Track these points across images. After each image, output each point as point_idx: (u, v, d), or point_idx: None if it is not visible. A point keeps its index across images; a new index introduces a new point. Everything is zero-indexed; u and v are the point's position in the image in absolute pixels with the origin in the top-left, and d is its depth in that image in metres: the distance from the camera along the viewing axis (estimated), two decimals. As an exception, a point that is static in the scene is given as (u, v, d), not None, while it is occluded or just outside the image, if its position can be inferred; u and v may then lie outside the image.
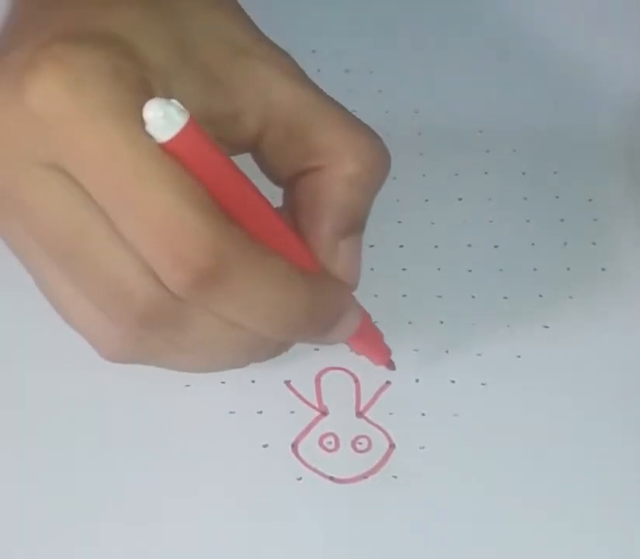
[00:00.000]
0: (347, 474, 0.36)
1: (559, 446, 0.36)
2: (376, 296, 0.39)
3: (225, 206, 0.26)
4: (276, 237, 0.28)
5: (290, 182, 0.31)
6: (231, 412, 0.36)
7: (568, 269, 0.40)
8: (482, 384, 0.37)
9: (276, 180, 0.32)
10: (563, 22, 0.47)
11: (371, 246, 0.40)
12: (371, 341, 0.35)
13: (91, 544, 0.34)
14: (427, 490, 0.35)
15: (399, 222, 0.41)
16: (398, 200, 0.42)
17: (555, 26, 0.47)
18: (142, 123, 0.25)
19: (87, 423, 0.36)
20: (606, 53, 0.46)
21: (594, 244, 0.41)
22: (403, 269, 0.40)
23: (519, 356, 0.38)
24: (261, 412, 0.37)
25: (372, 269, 0.40)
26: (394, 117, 0.44)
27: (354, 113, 0.43)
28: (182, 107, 0.25)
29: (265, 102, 0.30)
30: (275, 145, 0.30)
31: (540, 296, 0.39)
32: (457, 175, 0.42)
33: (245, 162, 0.30)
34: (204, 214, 0.25)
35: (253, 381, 0.37)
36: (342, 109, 0.30)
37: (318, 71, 0.45)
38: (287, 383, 0.37)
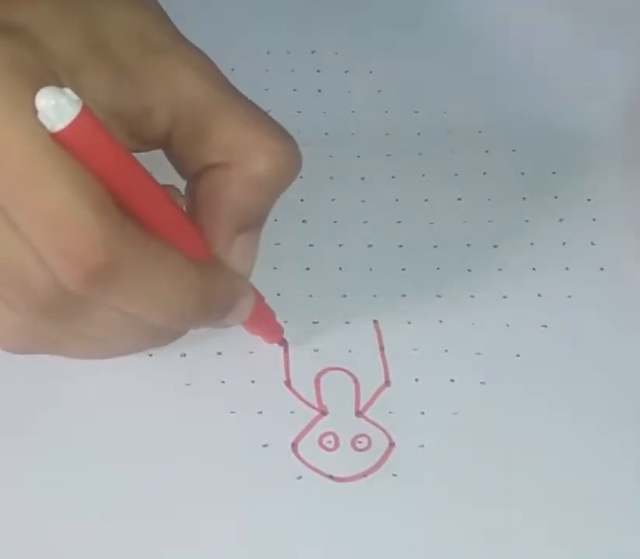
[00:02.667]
0: (347, 473, 0.36)
1: (558, 444, 0.36)
2: (375, 295, 0.39)
3: (120, 198, 0.26)
4: (173, 228, 0.28)
5: (195, 176, 0.31)
6: (231, 412, 0.37)
7: (567, 268, 0.40)
8: (481, 383, 0.37)
9: (184, 174, 0.32)
10: (563, 22, 0.47)
11: (370, 246, 0.40)
12: (265, 322, 0.36)
13: (90, 544, 0.34)
14: (427, 488, 0.35)
15: (399, 222, 0.41)
16: (397, 200, 0.42)
17: (555, 25, 0.47)
18: (35, 112, 0.24)
19: (86, 423, 0.36)
20: (606, 53, 0.46)
21: (593, 243, 0.41)
22: (403, 269, 0.40)
23: (518, 355, 0.38)
24: (261, 412, 0.37)
25: (371, 269, 0.40)
26: (394, 117, 0.44)
27: (353, 113, 0.44)
28: (75, 96, 0.24)
29: (175, 98, 0.29)
30: (184, 141, 0.30)
31: (539, 295, 0.40)
32: (456, 175, 0.42)
33: (155, 155, 0.31)
34: (96, 209, 0.25)
35: (253, 381, 0.37)
36: (253, 108, 0.30)
37: (318, 71, 0.45)
38: (287, 383, 0.37)
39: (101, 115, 0.27)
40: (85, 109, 0.25)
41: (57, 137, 0.25)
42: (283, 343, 0.37)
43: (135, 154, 0.27)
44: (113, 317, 0.29)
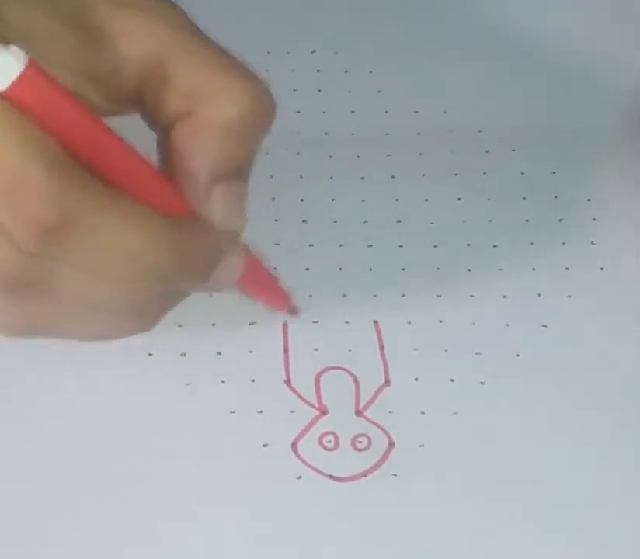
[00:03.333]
0: (347, 473, 0.36)
1: (558, 444, 0.36)
2: (375, 295, 0.39)
3: (81, 154, 0.26)
4: (142, 183, 0.28)
5: (165, 131, 0.30)
6: (231, 412, 0.37)
7: (567, 268, 0.40)
8: (481, 383, 0.37)
9: (158, 132, 0.31)
10: (563, 22, 0.47)
11: (370, 246, 0.40)
12: (266, 286, 0.35)
13: (90, 544, 0.34)
14: (427, 488, 0.35)
15: (399, 222, 0.41)
16: (397, 200, 0.42)
17: (555, 25, 0.47)
18: None
19: (86, 422, 0.36)
20: (606, 53, 0.46)
21: (593, 243, 0.41)
22: (403, 269, 0.40)
23: (518, 355, 0.38)
24: (261, 412, 0.37)
25: (371, 269, 0.40)
26: (394, 117, 0.44)
27: (353, 113, 0.44)
28: (22, 53, 0.24)
29: (140, 51, 0.29)
30: (152, 95, 0.30)
31: (539, 295, 0.40)
32: (456, 174, 0.43)
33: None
34: (46, 165, 0.25)
35: (253, 381, 0.37)
36: (218, 51, 0.30)
37: (318, 71, 0.46)
38: (287, 382, 0.37)
39: (70, 78, 0.27)
40: (33, 65, 0.24)
41: (4, 95, 0.24)
42: (293, 310, 0.37)
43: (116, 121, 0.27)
44: (82, 283, 0.28)
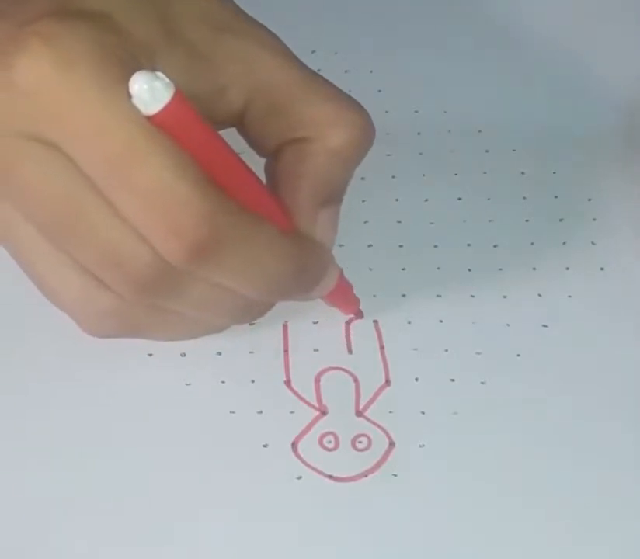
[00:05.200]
0: (347, 473, 0.36)
1: (559, 444, 0.36)
2: (375, 295, 0.39)
3: (212, 175, 0.27)
4: (261, 206, 0.29)
5: (274, 154, 0.31)
6: (231, 412, 0.37)
7: (567, 268, 0.40)
8: (482, 383, 0.37)
9: (262, 152, 0.32)
10: (563, 22, 0.47)
11: (370, 246, 0.40)
12: (344, 294, 0.36)
13: (90, 543, 0.34)
14: (427, 488, 0.35)
15: (399, 222, 0.41)
16: (397, 200, 0.42)
17: (555, 25, 0.47)
18: (129, 96, 0.25)
19: (86, 422, 0.36)
20: (606, 53, 0.46)
21: (593, 243, 0.41)
22: (403, 269, 0.40)
23: (518, 355, 0.38)
24: (261, 412, 0.37)
25: (371, 269, 0.40)
26: (394, 117, 0.44)
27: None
28: (168, 80, 0.25)
29: (249, 77, 0.30)
30: (259, 119, 0.31)
31: (540, 295, 0.40)
32: (456, 174, 0.42)
33: (230, 136, 0.31)
34: (197, 186, 0.26)
35: (253, 381, 0.37)
36: (328, 83, 0.31)
37: (318, 70, 0.45)
38: (287, 383, 0.37)
39: None
40: (178, 91, 0.25)
41: (152, 120, 0.25)
42: (360, 314, 0.38)
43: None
44: (208, 293, 0.30)
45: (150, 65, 0.28)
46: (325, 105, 0.30)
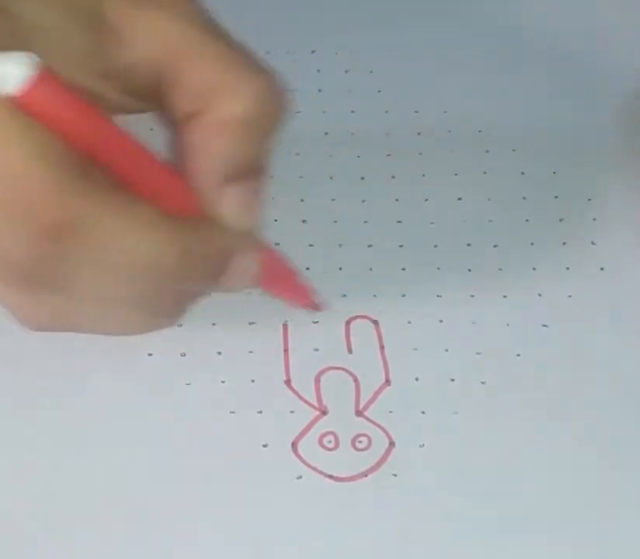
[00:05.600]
0: (347, 473, 0.36)
1: (558, 444, 0.36)
2: (375, 295, 0.39)
3: (95, 156, 0.26)
4: (156, 184, 0.28)
5: (178, 129, 0.30)
6: (231, 412, 0.37)
7: (568, 268, 0.40)
8: (482, 383, 0.37)
9: (170, 128, 0.31)
10: (563, 22, 0.47)
11: (370, 246, 0.40)
12: (287, 284, 0.35)
13: (89, 543, 0.34)
14: (427, 488, 0.35)
15: (399, 222, 0.41)
16: (397, 200, 0.42)
17: (555, 25, 0.47)
18: None
19: (86, 422, 0.36)
20: (606, 53, 0.46)
21: (593, 243, 0.41)
22: (403, 269, 0.40)
23: (518, 355, 0.38)
24: (261, 412, 0.37)
25: (371, 269, 0.40)
26: (394, 117, 0.44)
27: (353, 113, 0.44)
28: (33, 59, 0.24)
29: (157, 48, 0.29)
30: (168, 95, 0.30)
31: (540, 295, 0.40)
32: (456, 174, 0.42)
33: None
34: (48, 166, 0.25)
35: (253, 381, 0.37)
36: (230, 49, 0.29)
37: (318, 71, 0.45)
38: (287, 382, 0.37)
39: (89, 76, 0.28)
40: (44, 71, 0.25)
41: (15, 100, 0.25)
42: (317, 307, 0.37)
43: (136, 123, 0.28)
44: (98, 280, 0.28)
45: (49, 46, 0.27)
46: (219, 74, 0.28)
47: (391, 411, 0.37)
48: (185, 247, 0.28)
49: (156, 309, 0.31)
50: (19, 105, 0.25)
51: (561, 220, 0.42)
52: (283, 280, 0.35)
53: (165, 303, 0.31)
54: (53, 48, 0.27)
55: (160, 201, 0.28)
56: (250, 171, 0.30)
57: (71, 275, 0.28)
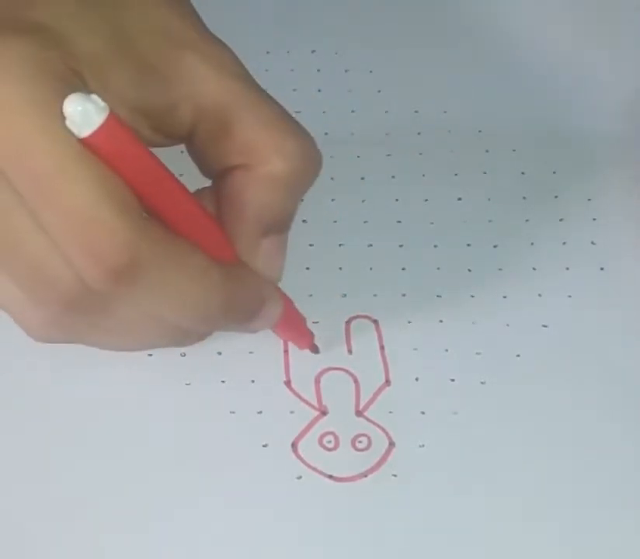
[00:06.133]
0: (347, 473, 0.36)
1: (558, 444, 0.36)
2: (375, 295, 0.39)
3: (146, 200, 0.27)
4: (198, 230, 0.29)
5: (218, 177, 0.31)
6: (231, 412, 0.37)
7: (567, 268, 0.40)
8: (482, 383, 0.37)
9: (206, 174, 0.32)
10: (563, 23, 0.47)
11: (370, 246, 0.40)
12: (294, 328, 0.36)
13: (90, 543, 0.34)
14: (427, 488, 0.35)
15: (399, 222, 0.41)
16: (397, 200, 0.42)
17: (555, 26, 0.47)
18: (64, 116, 0.25)
19: (87, 422, 0.36)
20: (606, 53, 0.46)
21: (593, 243, 0.41)
22: (403, 269, 0.40)
23: (518, 355, 0.38)
24: (261, 412, 0.37)
25: (371, 269, 0.40)
26: (394, 117, 0.44)
27: (353, 113, 0.44)
28: (102, 103, 0.25)
29: (198, 94, 0.29)
30: (205, 140, 0.30)
31: (540, 295, 0.40)
32: (456, 174, 0.42)
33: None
34: (120, 211, 0.26)
35: (253, 381, 0.37)
36: (275, 107, 0.30)
37: (318, 71, 0.45)
38: (287, 383, 0.37)
39: (125, 111, 0.28)
40: (112, 115, 0.25)
41: (83, 142, 0.25)
42: (314, 349, 0.37)
43: (162, 152, 0.28)
44: (135, 315, 0.29)
45: (96, 79, 0.27)
46: (267, 131, 0.29)
47: (391, 411, 0.37)
48: (229, 294, 0.29)
49: (178, 341, 0.32)
50: (88, 147, 0.25)
51: (560, 219, 0.42)
52: (293, 324, 0.36)
53: (192, 337, 0.33)
54: (96, 79, 0.28)
55: (201, 247, 0.29)
56: (283, 227, 0.31)
57: (111, 310, 0.29)
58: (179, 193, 0.28)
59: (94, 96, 0.25)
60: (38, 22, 0.27)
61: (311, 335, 0.37)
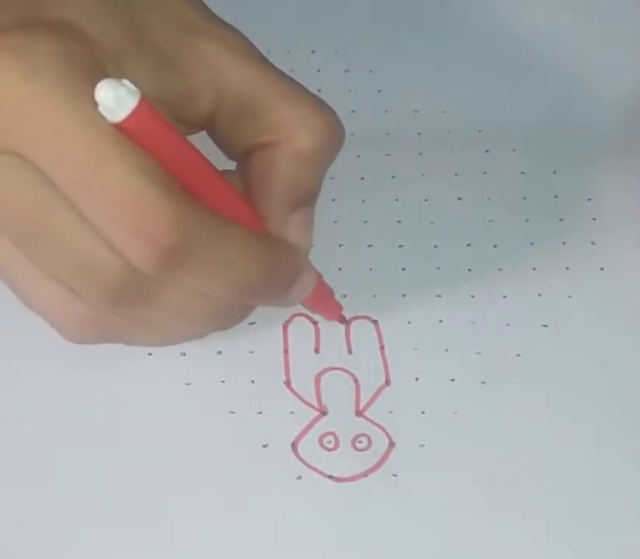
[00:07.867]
0: (347, 473, 0.36)
1: (558, 444, 0.36)
2: (375, 295, 0.39)
3: (180, 182, 0.27)
4: (231, 208, 0.29)
5: (243, 157, 0.31)
6: (231, 412, 0.37)
7: (567, 268, 0.40)
8: (482, 383, 0.37)
9: (231, 155, 0.32)
10: (563, 22, 0.47)
11: (370, 246, 0.40)
12: (324, 299, 0.36)
13: (90, 544, 0.34)
14: (427, 488, 0.35)
15: (399, 222, 0.41)
16: (397, 200, 0.42)
17: (555, 26, 0.47)
18: (96, 104, 0.25)
19: (87, 423, 0.36)
20: (606, 53, 0.46)
21: (593, 243, 0.41)
22: (402, 269, 0.40)
23: (518, 355, 0.38)
24: (261, 412, 0.37)
25: (371, 269, 0.40)
26: (394, 117, 0.44)
27: (353, 113, 0.44)
28: (133, 87, 0.25)
29: (216, 80, 0.30)
30: (228, 122, 0.31)
31: (540, 295, 0.40)
32: (456, 174, 0.42)
33: (200, 138, 0.31)
34: (164, 191, 0.26)
35: (253, 381, 0.37)
36: (294, 84, 0.31)
37: (318, 71, 0.45)
38: (287, 383, 0.37)
39: None
40: (144, 98, 0.25)
41: (118, 127, 0.25)
42: (343, 320, 0.38)
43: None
44: (181, 298, 0.30)
45: (118, 72, 0.28)
46: (291, 108, 0.30)
47: (391, 411, 0.37)
48: (270, 263, 0.30)
49: (222, 321, 0.33)
50: (123, 131, 0.26)
51: (561, 220, 0.42)
52: (323, 296, 0.36)
53: (233, 316, 0.33)
54: (117, 70, 0.28)
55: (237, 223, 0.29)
56: (311, 200, 0.32)
57: (155, 296, 0.29)
58: (211, 173, 0.29)
59: (126, 81, 0.25)
60: (61, 19, 0.28)
61: (340, 306, 0.37)
